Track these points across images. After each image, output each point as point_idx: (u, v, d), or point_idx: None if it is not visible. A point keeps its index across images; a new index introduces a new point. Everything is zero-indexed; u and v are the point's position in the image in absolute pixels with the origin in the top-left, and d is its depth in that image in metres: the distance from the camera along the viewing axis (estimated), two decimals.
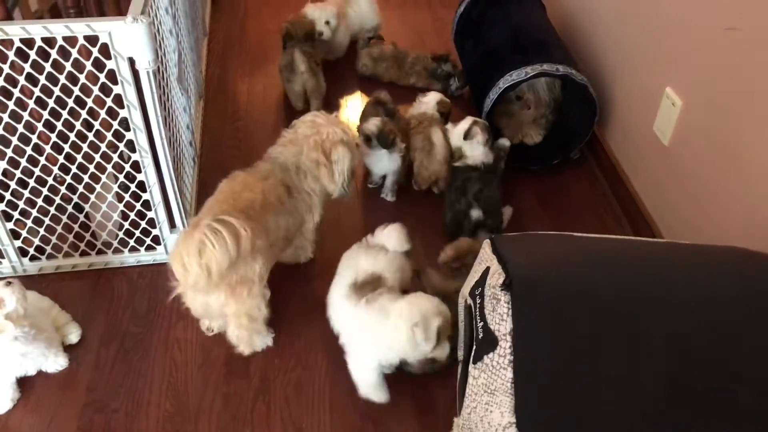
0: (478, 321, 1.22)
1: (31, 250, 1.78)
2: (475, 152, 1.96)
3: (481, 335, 1.20)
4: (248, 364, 1.61)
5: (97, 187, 1.69)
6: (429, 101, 2.15)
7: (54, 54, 1.46)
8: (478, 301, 1.25)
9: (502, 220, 1.96)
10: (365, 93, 2.59)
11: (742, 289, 1.18)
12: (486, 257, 1.32)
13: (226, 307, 1.53)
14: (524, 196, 2.13)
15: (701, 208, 1.69)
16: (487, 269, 1.27)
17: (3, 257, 1.77)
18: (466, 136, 1.96)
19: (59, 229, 1.75)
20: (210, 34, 2.91)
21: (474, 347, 1.22)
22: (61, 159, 1.63)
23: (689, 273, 1.20)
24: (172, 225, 1.80)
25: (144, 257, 1.85)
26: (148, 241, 1.82)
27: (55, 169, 1.65)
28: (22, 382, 1.56)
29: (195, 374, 1.59)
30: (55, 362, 1.57)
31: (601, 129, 2.23)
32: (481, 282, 1.27)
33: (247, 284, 1.50)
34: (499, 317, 1.15)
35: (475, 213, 1.88)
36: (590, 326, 1.11)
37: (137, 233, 1.80)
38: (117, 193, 1.72)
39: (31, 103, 1.53)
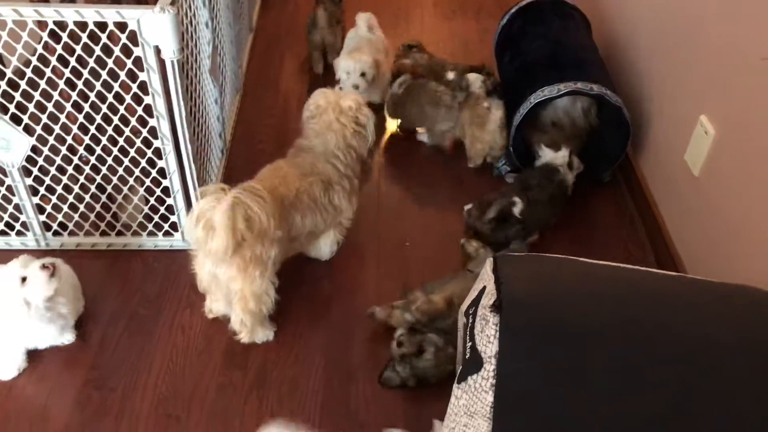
0: (467, 341, 1.20)
1: (54, 226, 1.84)
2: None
3: (468, 355, 1.17)
4: (246, 357, 1.63)
5: (120, 170, 1.73)
6: (474, 81, 2.18)
7: (85, 38, 1.51)
8: (470, 320, 1.23)
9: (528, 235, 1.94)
10: None
11: (749, 331, 1.12)
12: (486, 276, 1.29)
13: (234, 283, 1.54)
14: None
15: (727, 244, 1.62)
16: (484, 288, 1.25)
17: (28, 230, 1.83)
18: (570, 167, 2.00)
19: (82, 207, 1.80)
20: (256, 30, 2.95)
21: (460, 367, 1.20)
22: (86, 140, 1.68)
23: (693, 309, 1.15)
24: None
25: (161, 242, 1.88)
26: (166, 226, 1.86)
27: (81, 149, 1.70)
28: (30, 353, 1.61)
29: (194, 361, 1.62)
30: (64, 337, 1.62)
31: (635, 153, 2.17)
32: (476, 301, 1.24)
33: (260, 265, 1.53)
34: (487, 338, 1.13)
35: (517, 209, 1.87)
36: (578, 357, 1.08)
37: (156, 218, 1.84)
38: (138, 177, 1.76)
39: (61, 84, 1.58)
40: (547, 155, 2.02)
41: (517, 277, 1.22)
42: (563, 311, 1.13)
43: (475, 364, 1.13)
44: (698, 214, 1.76)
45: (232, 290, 1.56)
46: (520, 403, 1.08)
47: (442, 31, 3.00)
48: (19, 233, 1.84)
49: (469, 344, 1.18)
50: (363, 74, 2.33)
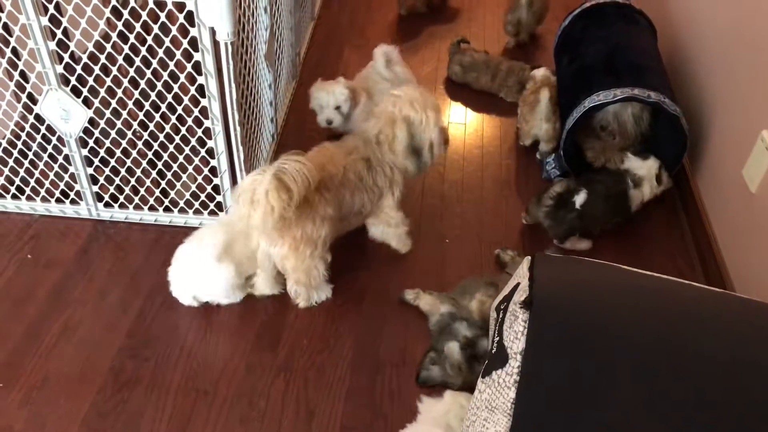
0: (495, 336, 1.18)
1: (106, 197, 1.90)
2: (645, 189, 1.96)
3: (494, 350, 1.16)
4: (278, 340, 1.65)
5: (171, 147, 1.78)
6: (537, 73, 2.28)
7: (144, 15, 1.55)
8: (501, 315, 1.21)
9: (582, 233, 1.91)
10: (453, 98, 2.56)
11: None
12: (521, 273, 1.27)
13: (286, 261, 1.61)
14: None
15: None
16: (517, 285, 1.23)
17: (81, 199, 1.90)
18: (659, 180, 1.96)
19: (133, 181, 1.86)
20: (318, 19, 2.98)
21: (486, 361, 1.18)
22: (141, 115, 1.73)
23: (730, 326, 1.10)
24: None
25: (207, 220, 1.92)
26: (211, 206, 1.89)
27: (135, 125, 1.75)
28: (71, 321, 1.67)
29: (226, 339, 1.64)
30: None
31: (691, 165, 2.09)
32: (509, 297, 1.22)
33: (310, 245, 1.58)
34: (514, 335, 1.11)
35: (579, 199, 1.85)
36: (605, 361, 1.05)
37: (203, 197, 1.88)
38: (188, 155, 1.80)
39: (120, 59, 1.63)
40: (632, 163, 1.96)
41: (551, 276, 1.19)
42: (593, 315, 1.10)
43: (500, 359, 1.12)
44: (752, 231, 1.68)
45: (287, 268, 1.63)
46: (541, 402, 1.06)
47: (499, 27, 2.96)
48: (73, 202, 1.92)
49: (496, 339, 1.16)
50: (338, 107, 2.15)
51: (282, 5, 2.12)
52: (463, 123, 2.43)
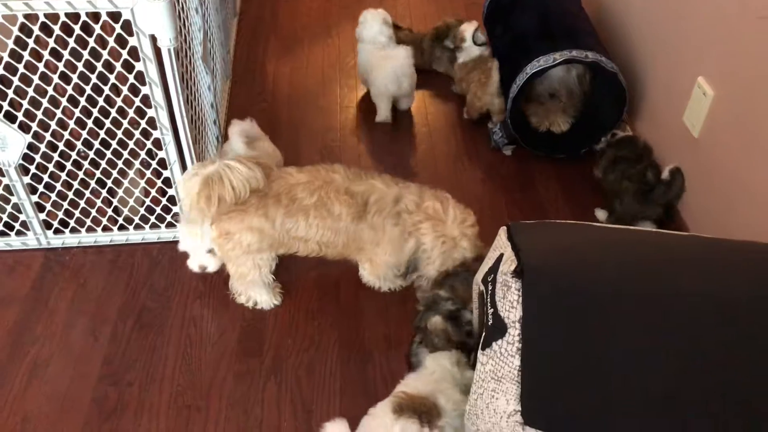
0: (489, 307, 1.20)
1: (55, 224, 1.81)
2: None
3: (490, 322, 1.18)
4: (261, 344, 1.62)
5: (119, 163, 1.71)
6: (465, 29, 2.30)
7: (78, 29, 1.48)
8: (490, 287, 1.23)
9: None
10: None
11: (763, 287, 1.14)
12: (501, 244, 1.30)
13: (217, 248, 1.63)
14: (549, 185, 2.09)
15: (729, 203, 1.64)
16: (501, 256, 1.25)
17: (28, 229, 1.81)
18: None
19: (82, 203, 1.78)
20: (240, 14, 2.91)
21: (483, 333, 1.20)
22: (84, 134, 1.65)
23: (707, 267, 1.16)
24: None
25: (165, 234, 1.86)
26: (168, 218, 1.84)
27: (79, 144, 1.67)
28: (40, 357, 1.59)
29: (209, 351, 1.61)
30: None
31: (631, 119, 2.18)
32: (494, 269, 1.25)
33: (236, 245, 1.58)
34: (510, 304, 1.13)
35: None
36: (601, 317, 1.09)
37: (158, 210, 1.82)
38: (138, 169, 1.74)
39: (56, 78, 1.55)
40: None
41: (533, 242, 1.23)
42: (583, 274, 1.14)
43: (499, 329, 1.14)
44: (699, 174, 1.77)
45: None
46: (547, 365, 1.09)
47: (429, 6, 2.98)
48: (19, 233, 1.82)
49: (491, 311, 1.18)
50: (211, 250, 1.73)
51: (209, 4, 2.06)
52: None
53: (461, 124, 2.33)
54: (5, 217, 1.79)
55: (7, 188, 1.71)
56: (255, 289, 1.67)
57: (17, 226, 1.80)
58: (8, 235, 1.82)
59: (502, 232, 1.32)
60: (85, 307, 1.71)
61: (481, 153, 2.21)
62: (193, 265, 1.72)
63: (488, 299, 1.22)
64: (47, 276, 1.79)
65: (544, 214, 1.97)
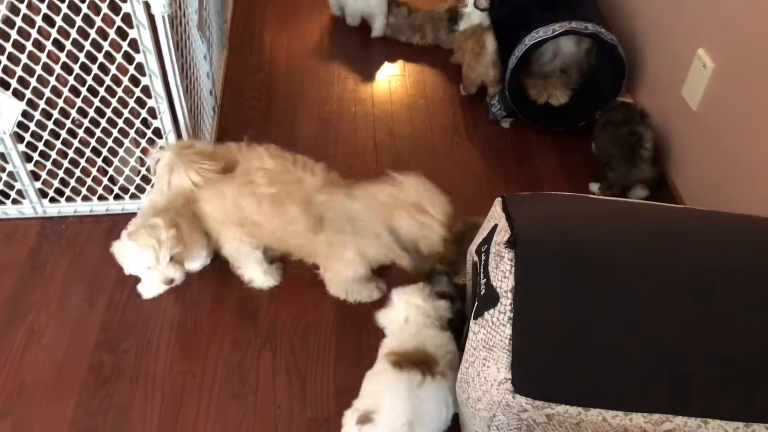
0: (482, 277, 1.21)
1: (51, 192, 1.81)
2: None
3: (483, 291, 1.19)
4: (257, 313, 1.63)
5: (114, 132, 1.70)
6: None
7: None
8: (483, 258, 1.23)
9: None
10: (391, 52, 2.54)
11: (760, 256, 1.14)
12: (495, 215, 1.30)
13: None
14: (547, 158, 2.09)
15: (725, 176, 1.64)
16: (495, 227, 1.25)
17: (24, 198, 1.81)
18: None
19: (78, 172, 1.77)
20: None
21: (476, 303, 1.21)
22: (79, 102, 1.64)
23: (702, 237, 1.17)
24: None
25: None
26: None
27: (73, 112, 1.66)
28: (37, 324, 1.60)
29: (205, 319, 1.62)
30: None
31: (630, 91, 2.16)
32: (488, 239, 1.25)
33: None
34: (502, 274, 1.14)
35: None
36: (593, 288, 1.09)
37: (154, 179, 1.81)
38: (134, 138, 1.73)
39: (49, 45, 1.54)
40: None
41: (527, 214, 1.23)
42: (575, 244, 1.14)
43: (491, 299, 1.14)
44: (696, 147, 1.77)
45: None
46: (538, 334, 1.10)
47: None
48: (15, 201, 1.82)
49: (483, 281, 1.19)
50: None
51: None
52: (404, 75, 2.42)
53: (459, 97, 2.31)
54: (1, 186, 1.78)
55: (2, 156, 1.71)
56: (249, 266, 1.65)
57: (13, 194, 1.80)
58: (4, 203, 1.82)
59: (497, 203, 1.32)
60: (81, 275, 1.71)
61: (479, 126, 2.20)
62: (151, 286, 1.64)
63: (481, 269, 1.23)
64: (44, 244, 1.79)
65: (540, 188, 1.97)
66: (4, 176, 1.76)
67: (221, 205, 1.55)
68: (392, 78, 2.40)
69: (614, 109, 1.94)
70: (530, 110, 2.14)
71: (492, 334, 1.13)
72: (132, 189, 1.83)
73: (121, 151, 1.75)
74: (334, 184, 1.52)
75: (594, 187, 1.95)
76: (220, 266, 1.71)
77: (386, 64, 2.47)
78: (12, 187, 1.79)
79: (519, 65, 2.00)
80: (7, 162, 1.72)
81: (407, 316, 1.41)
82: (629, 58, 2.02)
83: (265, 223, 1.52)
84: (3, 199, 1.81)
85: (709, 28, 1.68)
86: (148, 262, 1.50)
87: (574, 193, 1.40)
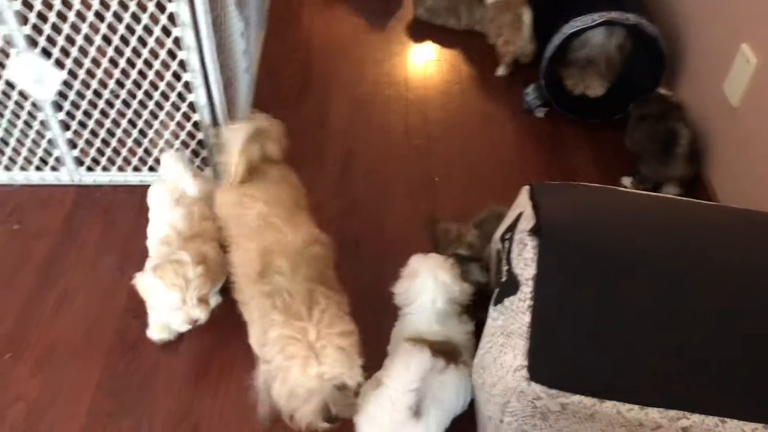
0: (504, 264, 1.21)
1: (87, 161, 1.86)
2: None
3: (504, 278, 1.18)
4: None
5: (150, 104, 1.73)
6: None
7: None
8: (507, 245, 1.23)
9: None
10: (424, 33, 2.53)
11: None
12: (522, 202, 1.30)
13: None
14: (580, 150, 2.06)
15: (762, 175, 1.60)
16: (520, 214, 1.25)
17: (61, 165, 1.85)
18: None
19: (113, 142, 1.81)
20: None
21: (497, 290, 1.21)
22: (117, 73, 1.67)
23: (732, 234, 1.15)
24: None
25: None
26: (197, 161, 1.86)
27: (111, 83, 1.69)
28: (69, 288, 1.65)
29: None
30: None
31: (669, 85, 2.12)
32: (513, 227, 1.25)
33: None
34: (524, 262, 1.14)
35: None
36: (616, 280, 1.08)
37: (187, 153, 1.84)
38: (169, 112, 1.76)
39: (90, 16, 1.57)
40: None
41: (554, 203, 1.22)
42: (600, 235, 1.13)
43: (512, 286, 1.14)
44: (735, 144, 1.73)
45: None
46: (556, 323, 1.09)
47: None
48: (53, 168, 1.87)
49: (505, 268, 1.19)
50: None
51: None
52: (439, 60, 2.41)
53: (494, 85, 2.29)
54: (40, 152, 1.83)
55: (42, 123, 1.75)
56: None
57: (51, 161, 1.85)
58: (42, 170, 1.87)
59: (524, 191, 1.32)
60: (113, 243, 1.76)
61: (513, 114, 2.18)
62: (170, 327, 1.48)
63: (504, 257, 1.22)
64: (78, 211, 1.84)
65: (572, 179, 1.95)
66: (44, 143, 1.81)
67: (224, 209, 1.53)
68: (427, 63, 2.39)
69: (650, 102, 1.90)
70: (565, 100, 2.11)
71: (511, 321, 1.13)
72: None
73: (155, 124, 1.78)
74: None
75: (626, 181, 1.92)
76: None
77: (422, 48, 2.46)
78: (50, 154, 1.84)
79: (555, 54, 1.98)
80: (47, 129, 1.77)
81: (434, 298, 1.37)
82: (671, 51, 1.98)
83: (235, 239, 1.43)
84: (41, 165, 1.86)
85: (754, 24, 1.64)
86: (173, 304, 1.36)
87: (601, 185, 1.38)
